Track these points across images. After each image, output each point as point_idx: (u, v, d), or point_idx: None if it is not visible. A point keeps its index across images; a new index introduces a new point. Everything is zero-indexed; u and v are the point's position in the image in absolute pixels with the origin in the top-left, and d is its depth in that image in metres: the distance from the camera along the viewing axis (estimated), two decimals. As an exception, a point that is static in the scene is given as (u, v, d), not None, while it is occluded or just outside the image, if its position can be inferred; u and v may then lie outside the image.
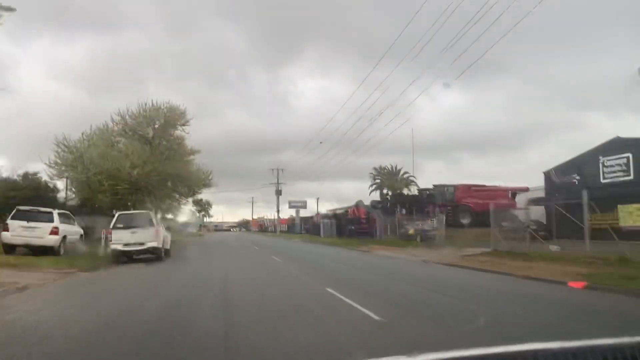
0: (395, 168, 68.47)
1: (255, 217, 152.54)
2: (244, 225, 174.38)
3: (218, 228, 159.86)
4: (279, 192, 73.14)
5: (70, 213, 21.75)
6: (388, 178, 70.49)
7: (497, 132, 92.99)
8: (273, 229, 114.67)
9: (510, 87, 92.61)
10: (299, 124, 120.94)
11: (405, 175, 66.49)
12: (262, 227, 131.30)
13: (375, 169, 75.57)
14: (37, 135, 65.09)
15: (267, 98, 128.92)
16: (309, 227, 74.45)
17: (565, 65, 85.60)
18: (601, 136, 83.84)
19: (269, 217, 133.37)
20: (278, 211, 74.99)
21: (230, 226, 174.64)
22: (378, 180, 73.49)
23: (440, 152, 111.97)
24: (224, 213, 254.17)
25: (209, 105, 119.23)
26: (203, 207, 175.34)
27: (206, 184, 39.58)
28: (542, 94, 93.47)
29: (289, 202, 77.60)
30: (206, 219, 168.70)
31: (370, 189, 73.26)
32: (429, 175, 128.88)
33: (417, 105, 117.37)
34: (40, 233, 18.64)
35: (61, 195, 27.42)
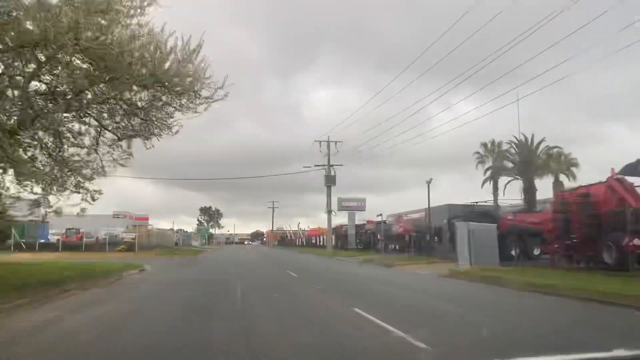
0: (531, 140, 39.93)
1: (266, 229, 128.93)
2: (259, 238, 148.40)
3: (230, 241, 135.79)
4: (331, 179, 44.44)
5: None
6: (508, 157, 42.30)
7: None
8: (301, 243, 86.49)
9: (529, 98, 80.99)
10: (311, 134, 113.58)
11: (555, 150, 38.17)
12: (286, 239, 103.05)
13: (484, 145, 47.38)
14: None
15: (279, 108, 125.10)
16: (373, 240, 46.65)
17: (588, 75, 72.32)
18: (624, 151, 76.81)
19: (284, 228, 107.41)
20: (330, 211, 45.95)
21: (243, 239, 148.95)
22: (489, 163, 45.20)
23: (456, 164, 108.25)
24: (236, 225, 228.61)
25: (221, 115, 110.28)
26: (212, 216, 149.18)
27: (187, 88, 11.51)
28: (563, 105, 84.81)
29: (339, 201, 48.88)
30: (216, 231, 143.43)
31: (485, 176, 44.95)
32: (444, 189, 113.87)
33: (431, 115, 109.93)
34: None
35: None
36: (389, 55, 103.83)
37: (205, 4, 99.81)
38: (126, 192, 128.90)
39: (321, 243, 69.96)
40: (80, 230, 44.41)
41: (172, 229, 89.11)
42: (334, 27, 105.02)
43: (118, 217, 65.42)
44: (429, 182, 27.49)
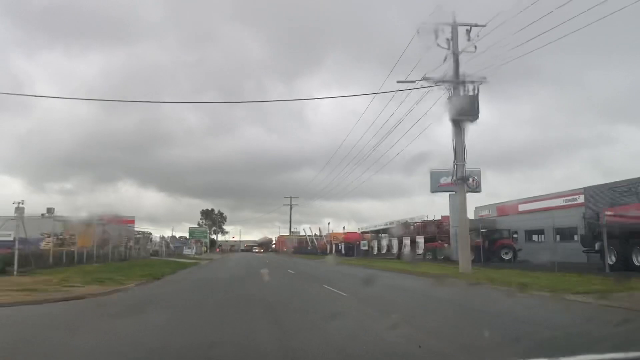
0: None
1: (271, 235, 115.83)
2: (267, 244, 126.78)
3: (234, 248, 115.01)
4: (463, 103, 19.00)
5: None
6: None
7: (522, 147, 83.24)
8: (336, 249, 61.70)
9: (537, 99, 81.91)
10: (316, 140, 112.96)
11: None
12: (306, 246, 78.94)
13: None
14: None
15: (283, 112, 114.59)
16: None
17: (598, 75, 72.99)
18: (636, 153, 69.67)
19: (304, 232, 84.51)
20: (462, 178, 18.87)
21: (251, 246, 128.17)
22: None
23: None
24: (241, 232, 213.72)
25: (225, 120, 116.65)
26: (215, 221, 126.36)
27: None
28: (572, 106, 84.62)
29: (432, 175, 24.08)
30: (219, 237, 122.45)
31: None
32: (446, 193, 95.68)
33: (436, 117, 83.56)
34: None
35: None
36: (396, 57, 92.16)
37: (208, 5, 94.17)
38: (130, 200, 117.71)
39: (379, 252, 46.10)
40: None
41: (173, 235, 77.19)
42: (339, 29, 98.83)
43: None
44: None
